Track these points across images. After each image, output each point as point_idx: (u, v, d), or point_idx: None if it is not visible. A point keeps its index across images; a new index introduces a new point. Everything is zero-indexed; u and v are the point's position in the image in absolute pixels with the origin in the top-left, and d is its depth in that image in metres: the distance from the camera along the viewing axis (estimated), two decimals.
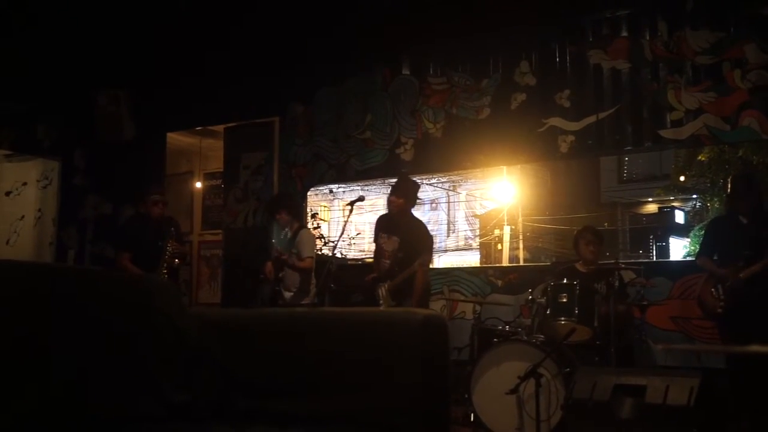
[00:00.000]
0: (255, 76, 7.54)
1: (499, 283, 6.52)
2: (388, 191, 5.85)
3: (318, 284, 5.91)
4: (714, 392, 4.02)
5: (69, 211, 8.60)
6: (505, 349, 4.84)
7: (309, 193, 7.91)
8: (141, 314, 2.29)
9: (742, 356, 4.58)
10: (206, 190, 10.05)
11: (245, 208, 7.80)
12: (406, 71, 7.09)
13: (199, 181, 10.13)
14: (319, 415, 2.20)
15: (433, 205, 21.26)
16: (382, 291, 5.57)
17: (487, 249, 19.97)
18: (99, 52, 7.40)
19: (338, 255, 9.86)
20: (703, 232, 7.99)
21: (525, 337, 4.94)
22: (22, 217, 8.64)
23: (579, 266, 5.49)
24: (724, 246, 5.12)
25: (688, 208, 19.27)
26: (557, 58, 6.36)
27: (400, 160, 6.97)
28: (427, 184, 19.00)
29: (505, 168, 15.70)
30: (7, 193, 8.68)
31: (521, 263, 17.34)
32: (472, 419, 4.86)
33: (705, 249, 5.40)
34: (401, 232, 5.63)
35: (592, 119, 6.13)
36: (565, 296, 4.98)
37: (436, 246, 6.54)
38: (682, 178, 16.80)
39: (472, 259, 20.08)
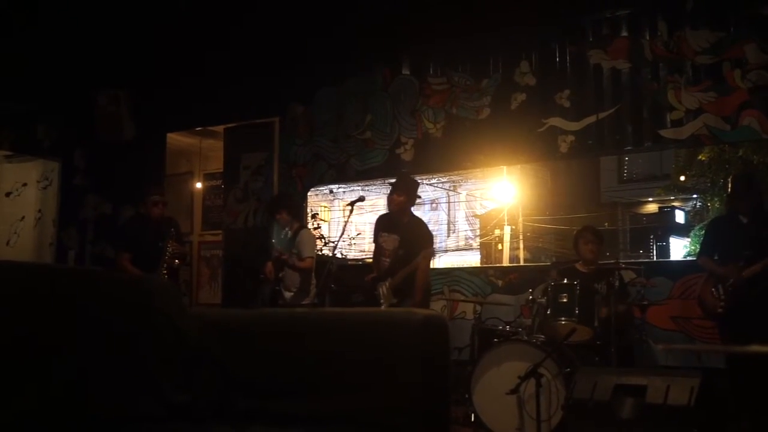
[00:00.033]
0: (255, 76, 7.54)
1: (500, 283, 6.52)
2: (388, 191, 5.84)
3: (318, 284, 5.91)
4: (714, 392, 4.02)
5: (69, 211, 8.60)
6: (506, 349, 4.83)
7: (309, 194, 7.91)
8: (141, 314, 2.29)
9: (742, 356, 4.57)
10: (206, 190, 10.06)
11: (245, 208, 7.80)
12: (406, 71, 7.09)
13: (199, 181, 10.13)
14: (319, 415, 2.20)
15: (434, 205, 21.26)
16: (383, 289, 5.53)
17: (487, 249, 19.97)
18: (99, 52, 7.40)
19: (339, 255, 9.87)
20: (703, 231, 7.98)
21: (525, 337, 4.94)
22: (23, 217, 8.64)
23: (579, 266, 5.48)
24: (725, 246, 5.11)
25: (689, 208, 19.28)
26: (557, 58, 6.35)
27: (401, 160, 6.97)
28: (427, 184, 19.00)
29: (505, 168, 15.71)
30: (8, 194, 8.68)
31: (521, 263, 17.34)
32: (472, 419, 4.86)
33: (706, 249, 5.39)
34: (401, 230, 5.62)
35: (592, 119, 6.13)
36: (565, 296, 4.98)
37: (436, 246, 6.52)
38: (682, 178, 16.80)
39: (472, 259, 20.08)
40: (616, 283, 5.02)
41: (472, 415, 4.85)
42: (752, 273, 4.78)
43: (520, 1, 6.15)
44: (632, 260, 14.48)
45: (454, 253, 20.90)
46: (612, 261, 5.68)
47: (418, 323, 2.20)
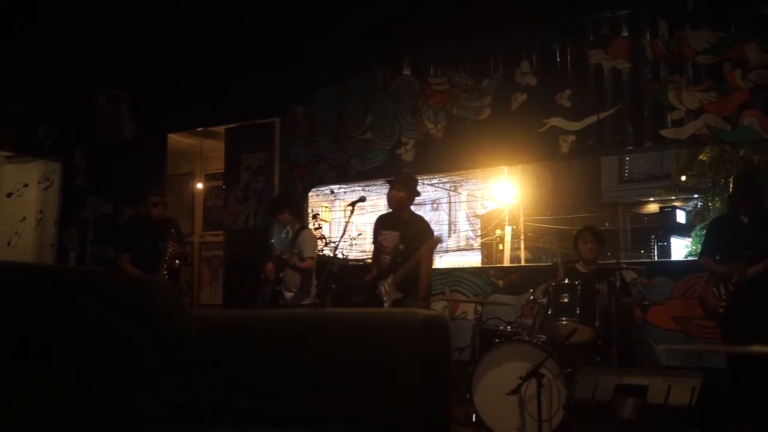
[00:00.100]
0: (255, 76, 7.54)
1: (501, 283, 6.51)
2: (388, 189, 5.79)
3: (319, 284, 5.90)
4: (716, 392, 4.02)
5: (70, 212, 8.61)
6: (507, 350, 4.83)
7: (310, 194, 7.91)
8: (141, 315, 2.29)
9: (743, 356, 4.57)
10: (207, 191, 10.06)
11: (246, 208, 7.80)
12: (406, 71, 7.09)
13: (200, 182, 10.13)
14: (319, 415, 2.20)
15: (434, 205, 21.26)
16: (385, 286, 5.46)
17: (488, 249, 19.96)
18: (99, 52, 7.40)
19: (339, 255, 9.86)
20: (704, 231, 7.98)
21: (526, 338, 4.93)
22: (24, 218, 8.65)
23: (580, 266, 5.47)
24: (726, 246, 5.11)
25: (690, 208, 19.27)
26: (558, 58, 6.35)
27: (401, 161, 6.96)
28: (428, 184, 19.00)
29: (506, 168, 15.69)
30: (9, 195, 8.69)
31: (522, 263, 17.33)
32: (473, 419, 4.85)
33: (707, 249, 5.39)
34: (402, 227, 5.59)
35: (592, 119, 6.13)
36: (566, 296, 4.97)
37: (436, 250, 6.50)
38: (683, 178, 16.79)
39: (473, 260, 20.07)
40: (617, 283, 5.01)
41: (473, 415, 4.85)
42: (754, 273, 4.77)
43: (521, 1, 6.15)
44: (633, 260, 14.48)
45: (455, 253, 20.89)
46: (613, 261, 5.68)
47: (419, 324, 2.20)
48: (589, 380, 4.02)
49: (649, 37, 5.94)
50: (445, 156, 6.86)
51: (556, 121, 6.27)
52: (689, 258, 14.08)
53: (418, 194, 5.87)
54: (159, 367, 2.22)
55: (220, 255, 8.90)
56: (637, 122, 5.98)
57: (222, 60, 7.44)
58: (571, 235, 5.91)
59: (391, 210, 5.81)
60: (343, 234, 6.50)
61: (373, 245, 5.93)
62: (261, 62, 7.30)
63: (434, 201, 21.13)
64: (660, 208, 20.76)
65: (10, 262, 2.79)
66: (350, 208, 5.77)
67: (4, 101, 7.59)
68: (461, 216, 21.76)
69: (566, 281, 5.06)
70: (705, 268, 5.22)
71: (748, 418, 4.57)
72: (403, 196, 5.64)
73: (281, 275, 5.96)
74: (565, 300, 4.96)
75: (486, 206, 20.77)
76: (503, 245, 18.82)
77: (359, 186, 14.82)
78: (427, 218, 6.16)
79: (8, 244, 8.52)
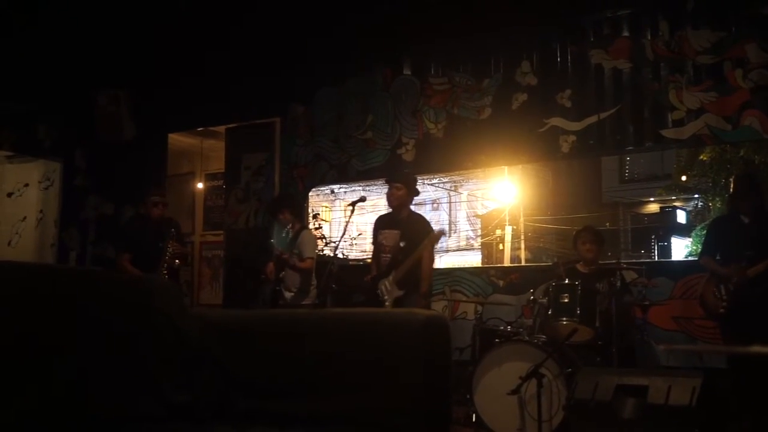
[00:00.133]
0: (255, 76, 7.54)
1: (501, 283, 6.51)
2: (387, 189, 5.77)
3: (319, 285, 5.90)
4: (716, 392, 4.02)
5: (70, 212, 8.61)
6: (507, 350, 4.83)
7: (310, 194, 7.90)
8: (141, 314, 2.29)
9: (743, 357, 4.57)
10: (207, 190, 10.06)
11: (246, 208, 7.80)
12: (407, 71, 7.09)
13: (200, 181, 10.14)
14: (319, 415, 2.20)
15: (435, 205, 21.26)
16: (386, 285, 5.43)
17: (488, 249, 19.96)
18: (99, 52, 7.40)
19: (340, 255, 9.86)
20: (704, 231, 7.98)
21: (527, 338, 4.93)
22: (24, 218, 8.65)
23: (580, 266, 5.47)
24: (727, 246, 5.10)
25: (690, 208, 19.27)
26: (558, 58, 6.35)
27: (402, 161, 6.96)
28: (428, 184, 19.00)
29: (506, 168, 15.70)
30: (9, 195, 8.69)
31: (523, 263, 17.33)
32: (473, 420, 4.85)
33: (707, 249, 5.38)
34: (402, 225, 5.58)
35: (593, 119, 6.12)
36: (566, 296, 4.96)
37: (436, 247, 6.50)
38: (683, 178, 16.79)
39: (473, 260, 20.07)
40: (618, 283, 5.01)
41: (473, 415, 4.84)
42: (756, 273, 4.77)
43: (521, 1, 6.14)
44: (634, 260, 14.48)
45: (455, 253, 20.89)
46: (613, 261, 5.67)
47: (419, 324, 2.20)
48: (590, 380, 4.02)
49: (649, 37, 5.93)
50: (445, 156, 6.86)
51: (557, 121, 6.26)
52: (689, 258, 14.07)
53: (418, 193, 5.86)
54: (159, 367, 2.22)
55: (220, 255, 8.91)
56: (637, 122, 5.98)
57: (222, 60, 7.43)
58: (572, 235, 5.91)
59: (390, 211, 5.81)
60: (344, 234, 6.50)
61: (372, 246, 5.92)
62: (261, 62, 7.30)
63: (434, 201, 21.14)
64: (660, 208, 20.76)
65: (11, 262, 2.79)
66: (350, 207, 5.77)
67: (4, 101, 7.59)
68: (461, 216, 21.76)
69: (566, 281, 5.06)
70: (705, 268, 5.21)
71: (748, 418, 4.57)
72: (402, 194, 5.63)
73: (281, 275, 5.95)
74: (566, 300, 4.96)
75: (486, 206, 20.77)
76: (503, 245, 18.82)
77: (359, 186, 14.82)
78: (427, 218, 6.14)
79: (9, 243, 8.53)
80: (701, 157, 14.06)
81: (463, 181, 20.39)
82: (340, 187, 17.11)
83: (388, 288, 5.41)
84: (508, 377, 4.46)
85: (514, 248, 18.83)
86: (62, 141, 8.59)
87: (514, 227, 18.84)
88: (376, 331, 2.28)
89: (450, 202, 21.73)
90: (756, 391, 4.59)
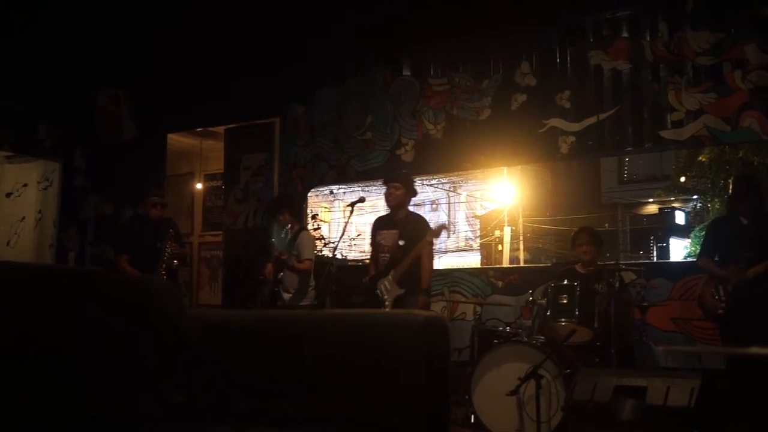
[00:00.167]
0: (255, 76, 7.54)
1: (500, 284, 6.51)
2: (385, 189, 5.78)
3: (317, 285, 5.90)
4: (715, 393, 4.02)
5: (69, 212, 8.60)
6: (506, 351, 4.83)
7: (309, 194, 7.90)
8: (141, 315, 2.29)
9: (742, 358, 4.57)
10: (207, 191, 10.06)
11: (246, 209, 7.80)
12: (406, 72, 7.09)
13: (199, 182, 10.13)
14: (319, 416, 2.20)
15: (434, 206, 21.26)
16: (385, 284, 5.42)
17: (487, 250, 19.95)
18: (99, 52, 7.40)
19: (339, 256, 9.87)
20: (703, 232, 7.98)
21: (525, 339, 4.93)
22: (23, 218, 8.64)
23: (579, 267, 5.47)
24: (725, 247, 5.11)
25: (689, 209, 19.27)
26: (558, 58, 6.35)
27: (401, 161, 6.96)
28: (427, 185, 19.00)
29: (505, 169, 15.70)
30: (8, 195, 8.68)
31: (522, 264, 17.33)
32: (472, 420, 4.85)
33: (706, 250, 5.39)
34: (400, 225, 5.59)
35: (592, 120, 6.13)
36: (565, 297, 4.97)
37: (436, 247, 6.50)
38: (682, 179, 16.79)
39: (472, 260, 20.06)
40: (616, 284, 5.01)
41: (472, 416, 4.84)
42: (755, 274, 4.77)
43: (520, 1, 6.15)
44: (632, 261, 14.49)
45: (454, 254, 20.88)
46: (612, 262, 5.68)
47: (418, 325, 2.20)
48: (588, 381, 4.02)
49: (648, 38, 5.94)
50: (444, 156, 6.86)
51: (556, 122, 6.27)
52: (688, 259, 14.08)
53: (416, 193, 5.86)
54: (158, 368, 2.22)
55: (219, 255, 8.90)
56: (636, 123, 5.99)
57: (222, 60, 7.43)
58: (571, 236, 5.91)
59: (388, 212, 5.81)
60: (343, 234, 6.51)
61: (370, 247, 5.92)
62: (261, 62, 7.30)
63: (433, 202, 21.13)
64: (659, 209, 20.75)
65: (10, 262, 2.79)
66: (350, 208, 5.76)
67: (4, 101, 7.58)
68: (460, 217, 21.75)
69: (565, 282, 5.06)
70: (703, 269, 5.22)
71: (747, 419, 4.57)
72: (400, 194, 5.64)
73: (280, 276, 5.95)
74: (564, 301, 4.96)
75: (485, 207, 20.76)
76: (502, 246, 18.81)
77: (359, 186, 14.82)
78: (426, 218, 6.14)
79: (7, 244, 8.52)
80: (700, 158, 14.07)
81: (462, 181, 20.39)
82: (340, 188, 17.11)
83: (387, 287, 5.40)
84: (507, 378, 4.46)
85: (513, 249, 18.83)
86: (62, 141, 8.59)
87: (513, 228, 18.84)
88: (375, 332, 2.28)
89: (449, 203, 21.72)
90: (755, 392, 4.60)
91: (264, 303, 6.14)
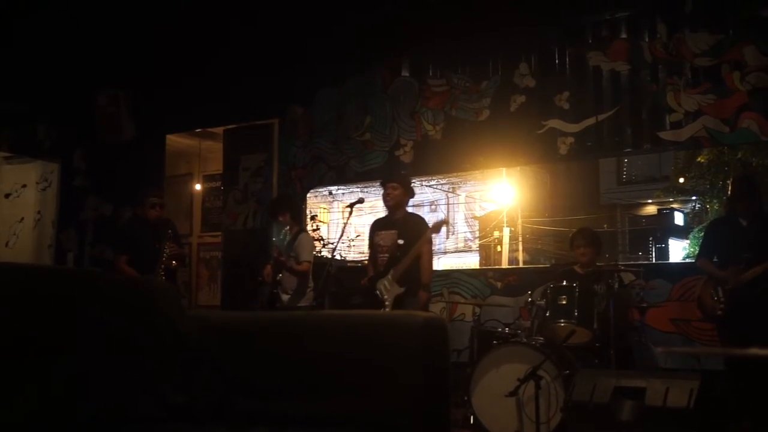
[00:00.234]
0: (254, 77, 7.54)
1: (499, 285, 6.51)
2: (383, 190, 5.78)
3: (316, 287, 5.90)
4: (714, 394, 4.02)
5: (68, 213, 8.60)
6: (505, 352, 4.84)
7: (308, 195, 7.91)
8: (140, 316, 2.29)
9: (741, 358, 4.57)
10: (206, 192, 10.06)
11: (245, 209, 7.80)
12: (405, 73, 7.09)
13: (198, 183, 10.13)
14: (318, 417, 2.20)
15: (433, 206, 21.25)
16: (385, 284, 5.41)
17: (486, 251, 19.95)
18: (99, 53, 7.39)
19: (338, 257, 9.86)
20: (702, 233, 7.99)
21: (524, 340, 4.94)
22: (22, 219, 8.64)
23: (578, 268, 5.48)
24: (724, 248, 5.11)
25: (688, 210, 19.27)
26: (557, 59, 6.36)
27: (400, 162, 6.96)
28: (426, 185, 19.00)
29: (504, 170, 15.69)
30: (7, 195, 8.68)
31: (521, 265, 17.33)
32: (471, 421, 4.85)
33: (704, 251, 5.39)
34: (399, 225, 5.59)
35: (591, 121, 6.13)
36: (564, 298, 4.97)
37: (435, 248, 6.51)
38: (681, 180, 16.80)
39: (471, 261, 20.05)
40: (616, 285, 5.01)
41: (471, 417, 4.85)
42: (753, 275, 4.77)
43: (520, 2, 6.15)
44: (631, 262, 14.49)
45: (453, 254, 20.88)
46: (611, 263, 5.68)
47: (417, 325, 2.20)
48: (587, 382, 4.02)
49: (647, 39, 5.95)
50: (443, 157, 6.86)
51: (555, 123, 6.27)
52: (687, 260, 14.09)
53: (413, 194, 5.86)
54: (158, 368, 2.22)
55: (218, 256, 8.90)
56: (635, 124, 5.99)
57: (221, 61, 7.43)
58: (569, 236, 5.91)
59: (386, 213, 5.81)
60: (342, 235, 6.50)
61: (369, 249, 5.92)
62: (260, 63, 7.30)
63: (432, 202, 21.13)
64: (658, 209, 20.74)
65: (8, 263, 2.80)
66: (349, 209, 5.76)
67: (4, 101, 7.58)
68: (459, 217, 21.74)
69: (564, 283, 5.06)
70: (702, 271, 5.22)
71: (746, 420, 4.57)
72: (398, 194, 5.65)
73: (278, 278, 5.95)
74: (563, 302, 4.96)
75: (484, 208, 20.76)
76: (501, 247, 18.80)
77: (358, 187, 14.81)
78: (424, 218, 6.13)
79: (6, 244, 8.51)
80: (699, 159, 14.09)
81: (461, 182, 20.39)
82: (339, 189, 17.10)
83: (387, 287, 5.39)
84: (506, 379, 4.47)
85: (512, 250, 18.83)
86: (61, 141, 8.59)
87: (512, 229, 18.84)
88: (374, 333, 2.28)
89: (448, 204, 21.71)
90: (754, 392, 4.60)
91: (263, 304, 6.13)
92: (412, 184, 5.92)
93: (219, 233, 8.56)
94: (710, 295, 4.99)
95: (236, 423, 2.21)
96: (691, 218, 18.57)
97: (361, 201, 6.10)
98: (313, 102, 7.49)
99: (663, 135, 5.88)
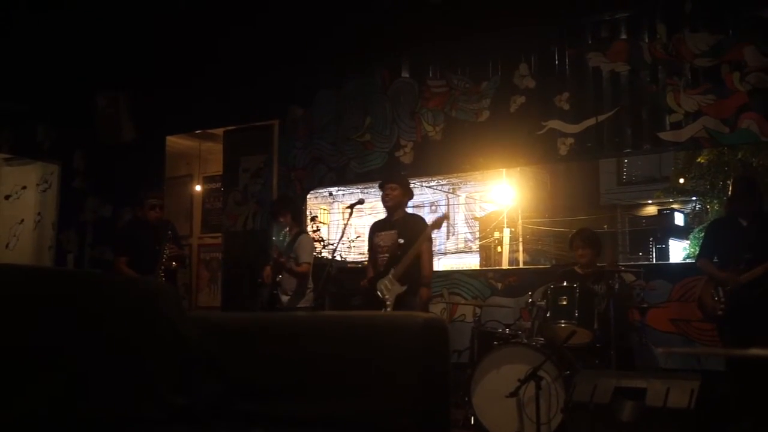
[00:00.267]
0: (254, 78, 7.54)
1: (499, 285, 6.51)
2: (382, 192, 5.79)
3: (316, 288, 5.90)
4: (714, 395, 4.02)
5: (68, 214, 8.60)
6: (506, 352, 4.84)
7: (308, 196, 7.90)
8: (140, 317, 2.29)
9: (742, 359, 4.57)
10: (206, 193, 10.06)
11: (245, 211, 7.79)
12: (405, 73, 7.09)
13: (198, 184, 10.13)
14: (319, 417, 2.20)
15: (433, 207, 21.26)
16: (386, 284, 5.40)
17: (486, 252, 19.95)
18: (98, 54, 7.39)
19: (338, 258, 9.86)
20: (702, 234, 7.99)
21: (525, 340, 4.93)
22: (22, 220, 8.64)
23: (578, 269, 5.47)
24: (725, 248, 5.10)
25: (688, 210, 19.29)
26: (556, 60, 6.36)
27: (400, 163, 6.96)
28: (426, 186, 19.01)
29: (504, 170, 15.70)
30: (7, 197, 8.68)
31: (521, 266, 17.33)
32: (472, 422, 4.85)
33: (705, 251, 5.39)
34: (398, 225, 5.59)
35: (591, 122, 6.13)
36: (565, 299, 4.96)
37: (435, 249, 6.51)
38: (681, 180, 16.82)
39: (471, 262, 20.06)
40: (616, 286, 5.01)
41: (472, 418, 4.85)
42: (753, 276, 4.76)
43: (520, 3, 6.15)
44: (631, 263, 14.50)
45: (453, 255, 20.89)
46: (613, 264, 5.67)
47: (418, 326, 2.20)
48: (588, 383, 4.02)
49: (647, 40, 5.95)
50: (443, 158, 6.86)
51: (555, 124, 6.27)
52: (687, 260, 14.09)
53: (412, 195, 5.86)
54: (158, 370, 2.22)
55: (218, 257, 8.90)
56: (635, 125, 5.99)
57: (221, 62, 7.43)
58: (569, 237, 5.90)
59: (385, 215, 5.81)
60: (342, 236, 6.49)
61: (368, 251, 5.92)
62: (260, 64, 7.30)
63: (433, 203, 21.13)
64: (658, 210, 20.75)
65: (9, 265, 2.79)
66: (349, 210, 5.76)
67: (4, 101, 7.58)
68: (460, 218, 21.75)
69: (565, 284, 5.06)
70: (702, 271, 5.22)
71: (747, 420, 4.57)
72: (397, 194, 5.65)
73: (278, 279, 5.95)
74: (564, 303, 4.95)
75: (484, 208, 20.77)
76: (502, 248, 18.81)
77: (358, 188, 14.81)
78: (424, 218, 6.12)
79: (6, 246, 8.52)
80: (699, 159, 14.10)
81: (461, 183, 20.40)
82: (339, 190, 17.11)
83: (388, 286, 5.39)
84: (507, 380, 4.47)
85: (513, 251, 18.83)
86: (61, 142, 8.59)
87: (513, 229, 18.85)
88: (374, 334, 2.28)
89: (448, 205, 21.71)
90: (754, 393, 4.59)
91: (263, 305, 6.13)
92: (412, 185, 5.92)
93: (219, 234, 8.55)
94: (710, 296, 4.98)
95: (236, 424, 2.21)
96: (692, 219, 18.59)
97: (361, 202, 6.10)
98: (313, 103, 7.49)
99: (663, 135, 5.87)
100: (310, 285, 5.98)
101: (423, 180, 16.90)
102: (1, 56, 7.00)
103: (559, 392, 4.39)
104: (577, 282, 5.05)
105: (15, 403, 1.84)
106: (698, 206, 17.42)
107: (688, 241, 16.97)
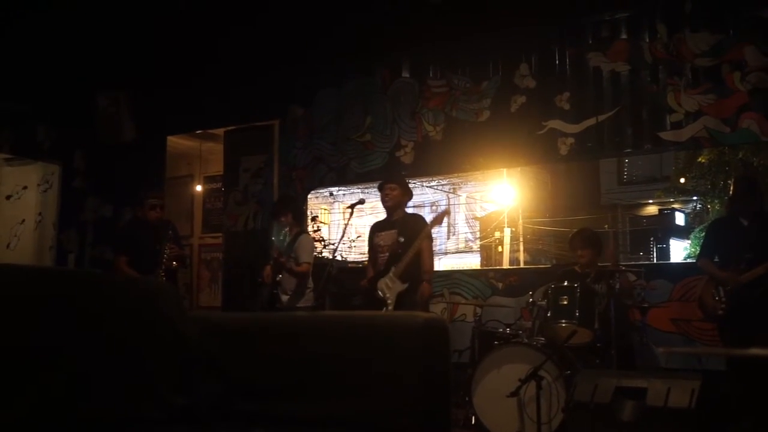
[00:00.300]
0: (255, 78, 7.54)
1: (500, 285, 6.51)
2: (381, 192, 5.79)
3: (316, 288, 5.90)
4: (715, 394, 4.02)
5: (69, 214, 8.60)
6: (506, 352, 4.84)
7: (309, 196, 7.90)
8: (141, 317, 2.29)
9: (742, 359, 4.57)
10: (206, 193, 10.06)
11: (245, 211, 7.80)
12: (405, 73, 7.09)
13: (199, 184, 10.14)
14: (319, 417, 2.20)
15: (434, 207, 21.25)
16: (387, 282, 5.40)
17: (487, 251, 19.95)
18: (99, 54, 7.39)
19: (338, 258, 9.86)
20: (703, 234, 7.99)
21: (526, 340, 4.94)
22: (23, 220, 8.64)
23: (578, 269, 5.47)
24: (725, 248, 5.10)
25: (689, 210, 19.29)
26: (557, 60, 6.36)
27: (400, 163, 6.97)
28: (427, 186, 19.00)
29: (505, 170, 15.70)
30: (8, 197, 8.68)
31: (521, 265, 17.33)
32: (473, 422, 4.86)
33: (705, 251, 5.39)
34: (398, 224, 5.60)
35: (591, 121, 6.13)
36: (565, 299, 4.96)
37: (436, 249, 6.51)
38: (682, 180, 16.82)
39: (472, 262, 20.05)
40: (617, 286, 5.01)
41: (473, 417, 4.85)
42: (754, 276, 4.76)
43: (520, 3, 6.15)
44: (632, 262, 14.49)
45: (454, 255, 20.88)
46: (610, 264, 5.67)
47: (418, 326, 2.20)
48: (589, 382, 4.02)
49: (647, 40, 5.94)
50: (444, 158, 6.86)
51: (555, 124, 6.27)
52: (688, 260, 14.09)
53: (411, 195, 5.87)
54: (158, 370, 2.22)
55: (219, 257, 8.90)
56: (636, 124, 5.99)
57: (222, 62, 7.43)
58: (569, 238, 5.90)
59: (385, 216, 5.81)
60: (342, 236, 6.50)
61: (368, 251, 5.92)
62: (260, 64, 7.30)
63: (433, 203, 21.12)
64: (659, 210, 20.76)
65: (10, 265, 2.80)
66: (349, 210, 5.77)
67: (4, 102, 7.58)
68: (460, 218, 21.74)
69: (565, 283, 5.06)
70: (703, 270, 5.22)
71: (747, 420, 4.56)
72: (397, 194, 5.66)
73: (278, 278, 5.95)
74: (565, 302, 4.95)
75: (485, 208, 20.76)
76: (502, 247, 18.81)
77: (358, 188, 14.80)
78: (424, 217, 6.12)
79: (7, 246, 8.51)
80: (700, 159, 14.10)
81: (461, 183, 20.39)
82: (339, 190, 17.10)
83: (389, 285, 5.38)
84: (508, 379, 4.47)
85: (513, 250, 18.83)
86: (61, 142, 8.59)
87: (513, 229, 18.84)
88: (375, 334, 2.28)
89: (449, 205, 21.70)
90: (755, 392, 4.59)
91: (263, 305, 6.13)
92: (412, 185, 5.92)
93: (220, 234, 8.56)
94: (711, 295, 4.98)
95: (236, 424, 2.21)
96: (692, 218, 18.59)
97: (362, 202, 6.10)
98: (313, 103, 7.49)
99: (663, 135, 5.87)
100: (310, 285, 5.98)
101: (423, 180, 16.90)
102: (1, 56, 7.00)
103: (560, 392, 4.39)
104: (577, 282, 5.05)
105: (15, 403, 1.84)
106: (699, 206, 17.42)
107: (689, 241, 16.97)
